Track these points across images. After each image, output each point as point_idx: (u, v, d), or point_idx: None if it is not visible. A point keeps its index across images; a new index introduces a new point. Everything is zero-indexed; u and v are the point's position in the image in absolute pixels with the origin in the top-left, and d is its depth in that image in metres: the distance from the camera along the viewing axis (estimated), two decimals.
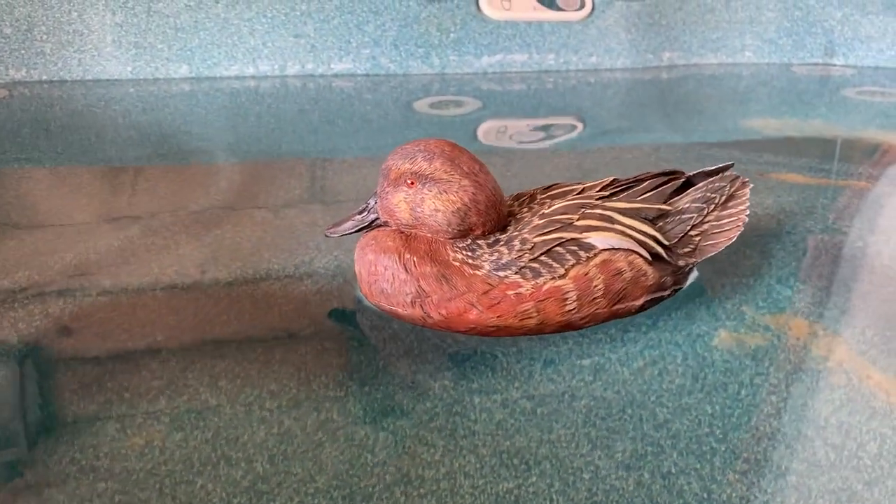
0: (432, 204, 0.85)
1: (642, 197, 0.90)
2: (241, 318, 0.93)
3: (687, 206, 0.92)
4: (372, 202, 0.90)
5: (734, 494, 0.66)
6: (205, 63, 2.07)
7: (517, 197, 0.93)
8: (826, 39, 2.35)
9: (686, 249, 0.91)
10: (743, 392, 0.80)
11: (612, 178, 0.92)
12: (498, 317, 0.84)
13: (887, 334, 0.90)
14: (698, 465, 0.69)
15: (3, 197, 1.30)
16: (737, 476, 0.68)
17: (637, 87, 2.15)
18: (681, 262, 0.91)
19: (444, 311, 0.84)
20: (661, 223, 0.90)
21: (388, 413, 0.76)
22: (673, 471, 0.69)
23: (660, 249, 0.88)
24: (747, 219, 0.95)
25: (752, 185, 0.99)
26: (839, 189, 1.36)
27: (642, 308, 0.90)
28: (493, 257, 0.84)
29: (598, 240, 0.85)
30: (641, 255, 0.87)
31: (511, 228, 0.87)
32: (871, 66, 2.32)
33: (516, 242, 0.84)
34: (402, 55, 2.17)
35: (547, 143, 1.66)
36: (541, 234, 0.85)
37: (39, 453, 0.71)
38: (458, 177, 0.84)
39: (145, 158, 1.52)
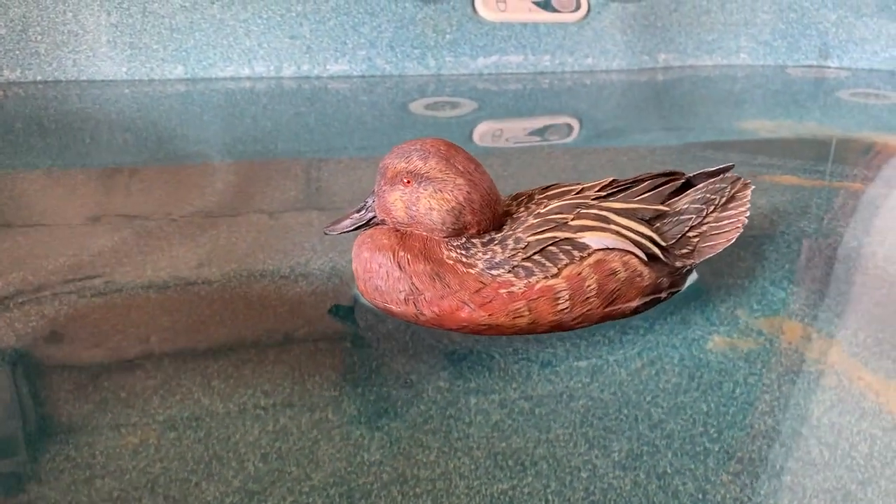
0: (427, 202, 0.85)
1: (640, 197, 0.90)
2: (235, 319, 0.93)
3: (685, 207, 0.92)
4: (370, 201, 0.91)
5: (728, 495, 0.66)
6: (200, 64, 2.07)
7: (516, 197, 0.94)
8: (820, 41, 2.36)
9: (684, 251, 0.91)
10: (737, 393, 0.80)
11: (611, 179, 0.93)
12: (489, 315, 0.84)
13: (879, 336, 0.90)
14: (693, 466, 0.70)
15: None
16: (731, 476, 0.69)
17: (633, 89, 2.16)
18: (678, 264, 0.90)
19: (436, 309, 0.85)
20: (658, 224, 0.90)
21: (383, 413, 0.76)
22: (668, 471, 0.69)
23: (656, 250, 0.87)
24: (747, 220, 0.95)
25: (753, 187, 0.98)
26: (833, 191, 1.36)
27: (637, 310, 0.90)
28: (487, 256, 0.84)
29: (593, 240, 0.85)
30: (637, 256, 0.86)
31: (507, 228, 0.87)
32: (865, 68, 2.33)
33: (510, 241, 0.85)
34: (397, 56, 2.17)
35: (543, 145, 1.66)
36: (535, 234, 0.85)
37: (35, 453, 0.71)
38: (452, 176, 0.85)
39: (140, 159, 1.51)
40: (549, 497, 0.66)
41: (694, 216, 0.91)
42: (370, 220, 0.91)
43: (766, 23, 2.37)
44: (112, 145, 1.60)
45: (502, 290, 0.83)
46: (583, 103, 2.02)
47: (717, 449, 0.72)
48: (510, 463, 0.70)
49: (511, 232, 0.86)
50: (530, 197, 0.92)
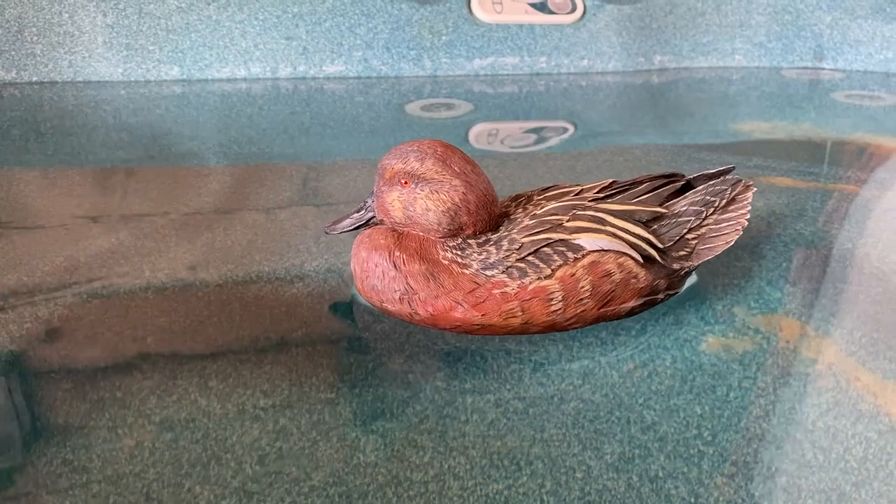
0: (424, 203, 0.86)
1: (638, 199, 0.90)
2: (231, 320, 0.93)
3: (684, 209, 0.92)
4: (369, 201, 0.92)
5: (721, 497, 0.67)
6: (196, 65, 2.07)
7: (515, 198, 0.94)
8: (815, 43, 2.37)
9: (681, 253, 0.91)
10: (731, 395, 0.80)
11: (610, 181, 0.93)
12: (482, 315, 0.84)
13: (875, 336, 0.91)
14: (686, 469, 0.70)
15: None
16: (724, 479, 0.69)
17: (628, 91, 2.16)
18: (675, 266, 0.90)
19: (430, 309, 0.86)
20: (655, 226, 0.90)
21: (380, 414, 0.76)
22: (661, 474, 0.69)
23: (652, 252, 0.87)
24: (747, 223, 0.95)
25: (755, 189, 0.98)
26: (828, 192, 1.37)
27: (633, 311, 0.91)
28: (482, 256, 0.85)
29: (587, 241, 0.85)
30: (632, 258, 0.87)
31: (503, 229, 0.88)
32: (859, 69, 2.33)
33: (505, 242, 0.85)
34: (393, 57, 2.17)
35: (539, 146, 1.67)
36: (529, 235, 0.85)
37: (31, 455, 0.71)
38: (448, 177, 0.86)
39: (136, 160, 1.51)
40: (544, 497, 0.66)
41: (693, 218, 0.91)
42: (369, 220, 0.92)
43: (760, 25, 2.38)
44: (108, 146, 1.60)
45: (496, 291, 0.84)
46: (578, 105, 2.03)
47: (710, 451, 0.72)
48: (505, 463, 0.70)
49: (507, 233, 0.87)
50: (529, 198, 0.93)
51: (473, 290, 0.84)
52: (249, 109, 1.86)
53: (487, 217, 0.88)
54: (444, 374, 0.83)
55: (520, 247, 0.85)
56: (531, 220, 0.87)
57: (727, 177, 0.98)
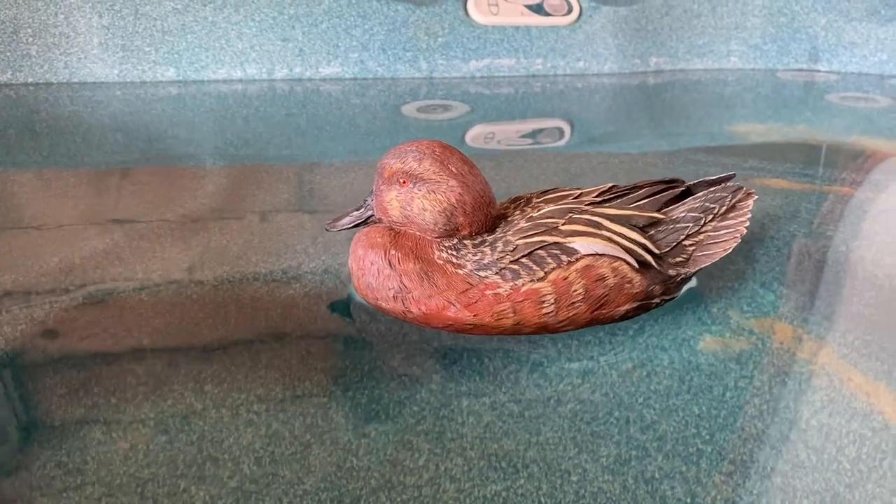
0: (421, 203, 0.86)
1: (635, 204, 0.90)
2: (227, 322, 0.93)
3: (682, 215, 0.92)
4: (369, 199, 0.92)
5: (719, 497, 0.67)
6: (192, 66, 2.06)
7: (514, 200, 0.95)
8: (810, 45, 2.38)
9: (678, 259, 0.91)
10: (728, 396, 0.81)
11: (610, 185, 0.93)
12: (474, 315, 0.85)
13: (868, 338, 0.91)
14: (684, 468, 0.70)
15: None
16: (721, 478, 0.69)
17: (624, 92, 2.17)
18: (671, 272, 0.90)
19: (423, 308, 0.86)
20: (652, 231, 0.90)
21: (375, 416, 0.76)
22: (657, 475, 0.69)
23: (648, 257, 0.87)
24: (745, 231, 0.94)
25: (756, 197, 0.98)
26: (823, 194, 1.37)
27: (626, 315, 0.91)
28: (476, 257, 0.85)
29: (582, 245, 0.85)
30: (627, 263, 0.87)
31: (499, 230, 0.88)
32: (854, 72, 2.34)
33: (500, 244, 0.86)
34: (390, 59, 2.17)
35: (535, 148, 1.67)
36: (524, 237, 0.85)
37: (25, 457, 0.71)
38: (445, 177, 0.86)
39: (132, 161, 1.51)
40: (541, 499, 0.66)
41: (691, 225, 0.91)
42: (368, 218, 0.93)
43: (756, 27, 2.39)
44: (104, 147, 1.60)
45: (488, 292, 0.84)
46: (574, 106, 2.03)
47: (709, 450, 0.72)
48: (503, 465, 0.70)
49: (502, 234, 0.87)
50: (528, 201, 0.93)
51: (466, 290, 0.85)
52: (245, 111, 1.85)
53: (484, 218, 0.88)
54: (440, 375, 0.83)
55: (514, 249, 0.85)
56: (527, 222, 0.87)
57: (728, 184, 0.98)
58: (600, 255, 0.85)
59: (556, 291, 0.84)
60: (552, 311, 0.85)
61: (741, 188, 0.97)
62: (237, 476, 0.68)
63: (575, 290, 0.85)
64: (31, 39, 1.97)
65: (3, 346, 0.87)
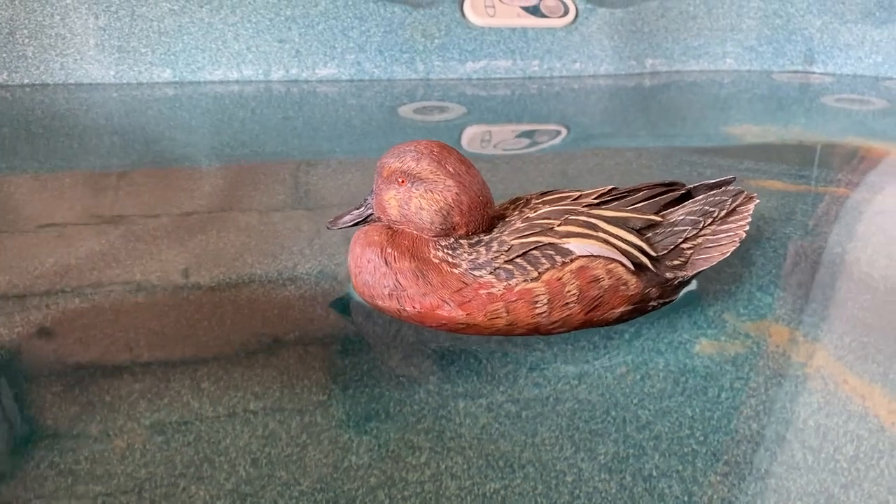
0: (418, 202, 0.87)
1: (633, 206, 0.91)
2: (223, 323, 0.93)
3: (681, 218, 0.92)
4: (370, 198, 0.93)
5: (715, 496, 0.67)
6: (188, 67, 2.06)
7: (514, 201, 0.95)
8: (806, 47, 2.38)
9: (675, 262, 0.91)
10: (723, 397, 0.81)
11: (610, 187, 0.93)
12: (467, 314, 0.85)
13: (864, 340, 0.91)
14: (680, 468, 0.70)
15: None
16: (717, 478, 0.69)
17: (620, 94, 2.17)
18: (668, 275, 0.90)
19: (418, 306, 0.87)
20: (649, 234, 0.90)
21: (374, 415, 0.76)
22: (654, 473, 0.70)
23: (644, 259, 0.87)
24: (745, 234, 0.94)
25: (757, 201, 0.98)
26: (818, 196, 1.38)
27: (622, 318, 0.91)
28: (472, 257, 0.86)
29: (577, 246, 0.85)
30: (623, 265, 0.87)
31: (496, 230, 0.89)
32: (849, 73, 2.35)
33: (495, 244, 0.86)
34: (386, 60, 2.17)
35: (531, 149, 1.67)
36: (519, 237, 0.86)
37: (19, 458, 0.70)
38: (442, 177, 0.87)
39: (128, 163, 1.51)
40: (538, 499, 0.67)
41: (689, 228, 0.91)
42: (368, 216, 0.94)
43: (751, 28, 2.39)
44: (100, 149, 1.60)
45: (482, 291, 0.85)
46: (570, 108, 2.03)
47: (703, 452, 0.72)
48: (501, 463, 0.70)
49: (498, 234, 0.88)
50: (527, 202, 0.94)
51: (460, 289, 0.85)
52: (242, 112, 1.85)
53: (480, 218, 0.89)
54: (438, 375, 0.83)
55: (508, 249, 0.85)
56: (523, 222, 0.88)
57: (728, 187, 0.97)
58: (595, 256, 0.85)
59: (549, 292, 0.84)
60: (545, 312, 0.85)
61: (742, 192, 0.97)
62: (233, 478, 0.68)
63: (568, 291, 0.85)
64: (27, 40, 1.97)
65: (0, 347, 0.87)
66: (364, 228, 0.93)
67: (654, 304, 0.92)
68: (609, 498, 0.67)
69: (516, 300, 0.84)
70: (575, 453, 0.72)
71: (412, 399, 0.79)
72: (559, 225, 0.87)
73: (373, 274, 0.89)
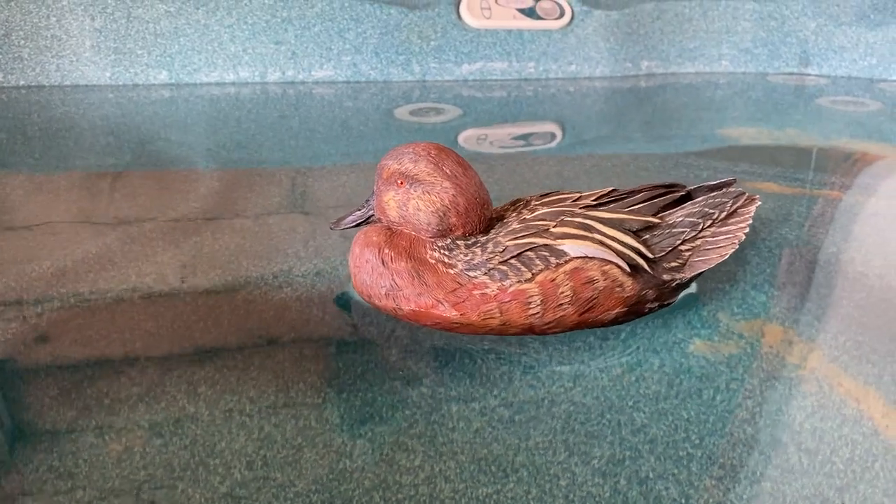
0: (415, 203, 0.88)
1: (631, 208, 0.91)
2: (219, 326, 0.93)
3: (680, 220, 0.91)
4: (371, 199, 0.94)
5: (711, 499, 0.67)
6: (185, 69, 2.06)
7: (514, 202, 0.96)
8: (801, 49, 2.39)
9: (673, 264, 0.90)
10: (718, 399, 0.81)
11: (610, 189, 0.94)
12: (461, 314, 0.86)
13: (859, 340, 0.91)
14: (676, 471, 0.70)
15: None
16: (713, 481, 0.69)
17: (616, 96, 2.18)
18: (666, 277, 0.90)
19: (413, 305, 0.88)
20: (647, 235, 0.90)
21: (368, 418, 0.77)
22: (651, 476, 0.70)
23: (640, 261, 0.87)
24: (744, 237, 0.94)
25: (759, 203, 0.98)
26: (813, 198, 1.38)
27: (618, 320, 0.90)
28: (467, 258, 0.87)
29: (572, 247, 0.85)
30: (619, 266, 0.87)
31: (493, 231, 0.89)
32: (844, 75, 2.36)
33: (490, 245, 0.87)
34: (382, 62, 2.17)
35: (527, 151, 1.67)
36: (514, 238, 0.86)
37: (17, 460, 0.70)
38: (439, 179, 0.88)
39: (124, 165, 1.51)
40: (532, 502, 0.67)
41: (688, 230, 0.91)
42: (369, 217, 0.95)
43: (747, 31, 2.40)
44: (96, 150, 1.60)
45: (476, 292, 0.85)
46: (566, 110, 2.04)
47: (698, 454, 0.73)
48: (494, 467, 0.70)
49: (494, 236, 0.88)
50: (527, 203, 0.94)
51: (455, 289, 0.86)
52: (238, 114, 1.85)
53: (477, 219, 0.90)
54: (433, 377, 0.83)
55: (503, 250, 0.86)
56: (519, 224, 0.88)
57: (729, 189, 0.97)
58: (590, 257, 0.86)
59: (542, 293, 0.85)
60: (538, 313, 0.85)
61: (743, 193, 0.97)
62: (228, 480, 0.68)
63: (562, 292, 0.85)
64: (23, 42, 1.97)
65: None
66: (364, 229, 0.94)
67: (651, 306, 0.92)
68: (603, 502, 0.67)
69: (510, 301, 0.85)
70: (569, 457, 0.72)
71: (406, 402, 0.79)
72: (555, 226, 0.87)
73: (370, 274, 0.90)
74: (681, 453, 0.73)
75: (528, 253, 0.85)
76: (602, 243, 0.86)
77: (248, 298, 0.99)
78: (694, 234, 0.91)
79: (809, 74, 2.38)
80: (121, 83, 2.03)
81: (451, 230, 0.89)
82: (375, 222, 0.95)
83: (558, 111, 2.02)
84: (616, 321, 0.91)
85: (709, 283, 1.04)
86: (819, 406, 0.80)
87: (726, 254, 0.93)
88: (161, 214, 1.25)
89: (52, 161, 1.53)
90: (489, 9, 2.25)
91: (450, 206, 0.88)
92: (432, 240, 0.90)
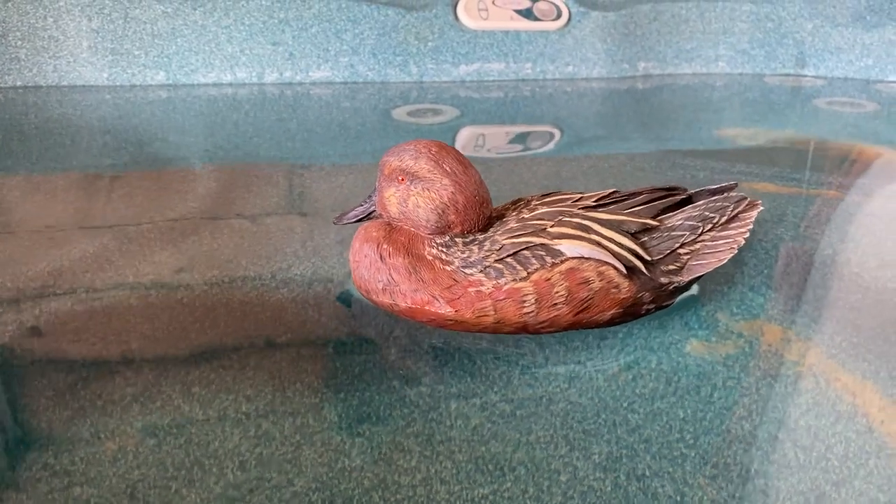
0: (415, 200, 0.89)
1: (630, 210, 0.91)
2: (216, 326, 0.92)
3: (679, 223, 0.91)
4: (374, 195, 0.95)
5: (706, 497, 0.67)
6: (182, 70, 2.06)
7: (515, 202, 0.96)
8: (797, 50, 2.39)
9: (671, 267, 0.90)
10: (715, 397, 0.81)
11: (611, 190, 0.94)
12: (456, 311, 0.86)
13: (855, 340, 0.92)
14: (671, 469, 0.70)
15: None
16: (708, 479, 0.69)
17: (613, 97, 2.18)
18: (663, 280, 0.90)
19: (409, 301, 0.88)
20: (645, 238, 0.89)
21: (365, 418, 0.77)
22: (647, 473, 0.70)
23: (638, 263, 0.87)
24: (744, 241, 0.93)
25: (761, 208, 0.97)
26: (810, 198, 1.38)
27: (613, 321, 0.90)
28: (464, 255, 0.87)
29: (568, 247, 0.86)
30: (615, 268, 0.87)
31: (492, 230, 0.90)
32: (840, 76, 2.36)
33: (487, 243, 0.87)
34: (380, 63, 2.17)
35: (524, 151, 1.67)
36: (511, 237, 0.87)
37: (11, 461, 0.70)
38: (439, 176, 0.88)
39: (121, 165, 1.51)
40: (528, 502, 0.67)
41: (687, 233, 0.90)
42: (371, 213, 0.95)
43: (744, 32, 2.40)
44: (93, 151, 1.60)
45: (471, 289, 0.86)
46: (564, 111, 2.04)
47: (695, 452, 0.73)
48: (491, 466, 0.70)
49: (492, 234, 0.89)
50: (527, 203, 0.94)
51: (451, 286, 0.86)
52: (235, 115, 1.85)
53: (476, 217, 0.90)
54: (431, 377, 0.83)
55: (500, 248, 0.86)
56: (517, 223, 0.89)
57: (730, 193, 0.97)
58: (586, 258, 0.86)
59: (537, 292, 0.85)
60: (533, 312, 0.86)
61: (744, 198, 0.96)
62: (223, 481, 0.68)
63: (557, 292, 0.85)
64: (20, 43, 1.96)
65: None
66: (365, 224, 0.95)
67: (648, 308, 0.92)
68: (603, 498, 0.67)
69: (504, 299, 0.85)
70: (569, 452, 0.72)
71: (404, 401, 0.79)
72: (552, 226, 0.87)
73: (368, 269, 0.91)
74: (675, 452, 0.73)
75: (525, 252, 0.86)
76: (599, 244, 0.86)
77: (246, 299, 0.99)
78: (693, 237, 0.91)
79: (806, 75, 2.39)
80: (118, 84, 2.03)
81: (449, 227, 0.90)
82: (377, 218, 0.95)
83: (555, 112, 2.02)
84: (612, 322, 0.91)
85: (706, 284, 1.04)
86: (816, 403, 0.80)
87: (725, 258, 0.92)
88: (158, 215, 1.25)
89: (50, 161, 1.53)
90: (486, 10, 2.25)
91: (448, 204, 0.88)
92: (431, 236, 0.90)
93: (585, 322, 0.88)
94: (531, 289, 0.85)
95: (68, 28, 1.98)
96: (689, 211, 0.93)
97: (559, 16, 2.29)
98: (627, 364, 0.86)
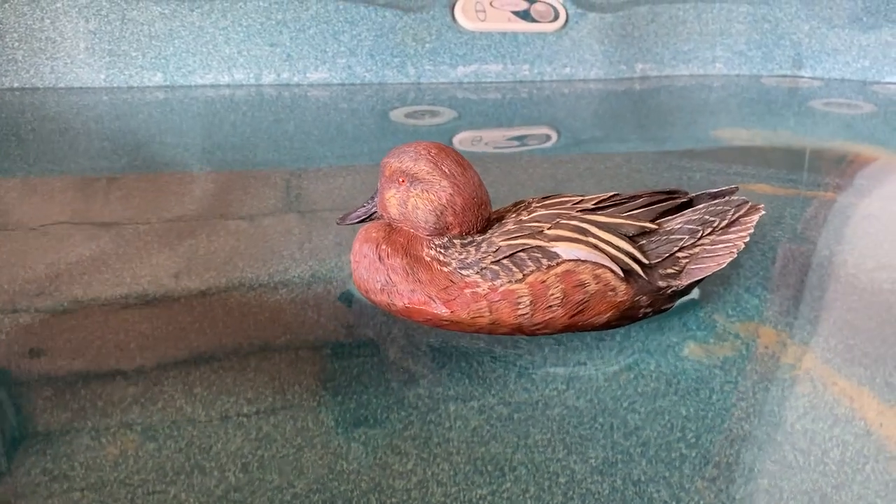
0: (414, 202, 0.90)
1: (629, 213, 0.91)
2: (215, 328, 0.93)
3: (678, 226, 0.91)
4: (376, 196, 0.96)
5: (702, 501, 0.67)
6: (179, 71, 2.06)
7: (515, 204, 0.97)
8: (794, 52, 2.40)
9: (669, 270, 0.90)
10: (713, 399, 0.81)
11: (612, 193, 0.94)
12: (451, 312, 0.87)
13: (851, 342, 0.92)
14: (668, 473, 0.71)
15: None
16: (705, 483, 0.70)
17: (610, 98, 2.18)
18: (661, 283, 0.89)
19: (406, 301, 0.89)
20: (643, 241, 0.89)
21: (363, 421, 0.77)
22: (643, 478, 0.70)
23: (635, 266, 0.87)
24: (744, 245, 0.93)
25: (763, 212, 0.97)
26: (807, 199, 1.39)
27: (609, 323, 0.90)
28: (461, 256, 0.88)
29: (564, 250, 0.86)
30: (612, 270, 0.87)
31: (490, 231, 0.90)
32: (837, 78, 2.37)
33: (484, 245, 0.88)
34: (377, 65, 2.17)
35: (522, 153, 1.68)
36: (508, 239, 0.87)
37: (11, 465, 0.70)
38: (438, 178, 0.89)
39: (119, 167, 1.51)
40: (528, 502, 0.67)
41: (686, 237, 0.90)
42: (373, 213, 0.96)
43: (741, 33, 2.41)
44: (90, 153, 1.60)
45: (467, 290, 0.86)
46: (561, 112, 2.04)
47: (692, 455, 0.73)
48: (489, 469, 0.71)
49: (489, 236, 0.89)
50: (528, 205, 0.95)
51: (447, 287, 0.87)
52: (233, 116, 1.85)
53: (475, 219, 0.91)
54: (428, 379, 0.83)
55: (496, 250, 0.87)
56: (515, 225, 0.89)
57: (732, 197, 0.97)
58: (583, 261, 0.86)
59: (532, 293, 0.85)
60: (528, 313, 0.86)
61: (746, 202, 0.96)
62: (223, 484, 0.68)
63: (552, 294, 0.85)
64: (17, 44, 1.96)
65: None
66: (366, 225, 0.96)
67: (646, 311, 0.92)
68: (601, 500, 0.67)
69: (499, 300, 0.85)
70: (567, 455, 0.72)
71: (401, 403, 0.80)
72: (549, 228, 0.87)
73: (367, 268, 0.92)
74: (673, 455, 0.73)
75: (521, 254, 0.86)
76: (596, 247, 0.86)
77: (244, 300, 0.99)
78: (692, 241, 0.91)
79: (803, 77, 2.39)
80: (115, 85, 2.03)
81: (448, 229, 0.90)
82: (379, 218, 0.96)
83: (553, 113, 2.02)
84: (609, 325, 0.91)
85: (704, 286, 1.04)
86: (812, 406, 0.80)
87: (724, 262, 0.92)
88: (156, 216, 1.25)
89: (47, 163, 1.53)
90: (484, 11, 2.25)
91: (447, 205, 0.89)
92: (430, 238, 0.91)
93: (581, 325, 0.89)
94: (526, 290, 0.85)
95: (65, 29, 1.98)
96: (689, 214, 0.92)
97: (556, 17, 2.29)
98: (626, 366, 0.86)
